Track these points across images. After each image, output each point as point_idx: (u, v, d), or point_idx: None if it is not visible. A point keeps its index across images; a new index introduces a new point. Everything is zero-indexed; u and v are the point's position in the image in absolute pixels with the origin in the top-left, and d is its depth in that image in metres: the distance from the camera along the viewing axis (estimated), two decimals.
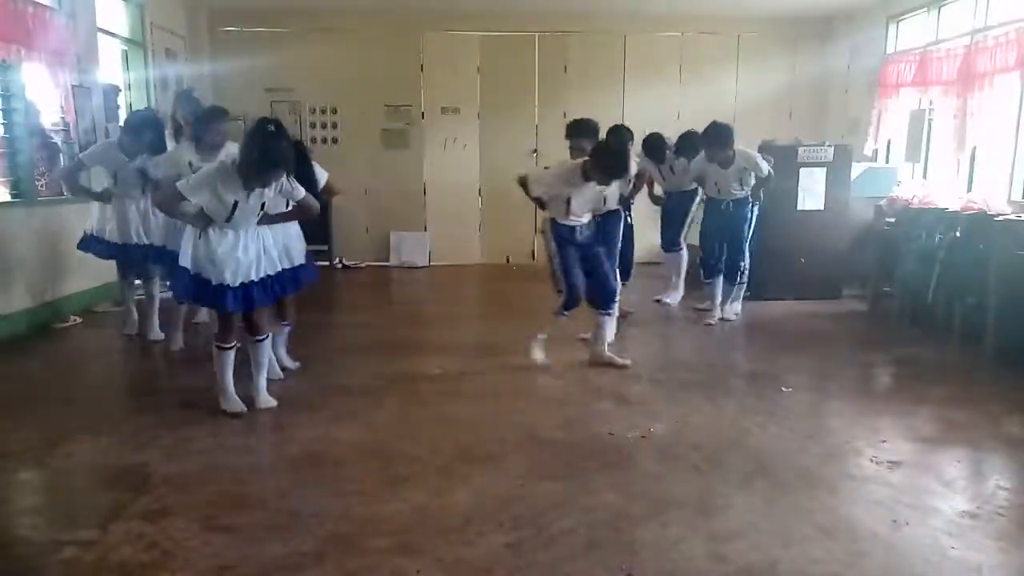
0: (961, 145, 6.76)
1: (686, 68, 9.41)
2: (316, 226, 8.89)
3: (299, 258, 4.19)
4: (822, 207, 6.76)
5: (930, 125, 7.53)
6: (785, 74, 9.48)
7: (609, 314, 4.84)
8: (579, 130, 5.09)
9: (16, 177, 5.60)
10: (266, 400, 4.01)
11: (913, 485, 3.13)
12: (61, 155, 6.22)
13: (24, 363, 5.00)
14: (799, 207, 6.69)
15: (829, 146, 6.84)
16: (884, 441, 3.61)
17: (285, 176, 3.72)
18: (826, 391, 4.45)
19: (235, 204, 3.63)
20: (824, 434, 3.73)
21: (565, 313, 4.64)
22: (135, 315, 5.45)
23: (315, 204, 4.04)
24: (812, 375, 4.76)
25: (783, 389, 4.38)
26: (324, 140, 9.29)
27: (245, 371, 3.97)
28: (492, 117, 9.38)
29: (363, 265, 9.33)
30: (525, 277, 8.72)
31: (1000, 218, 5.17)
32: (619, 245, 5.24)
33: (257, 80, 9.03)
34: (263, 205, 3.75)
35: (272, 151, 3.55)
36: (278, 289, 4.00)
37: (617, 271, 5.12)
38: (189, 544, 2.59)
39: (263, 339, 3.98)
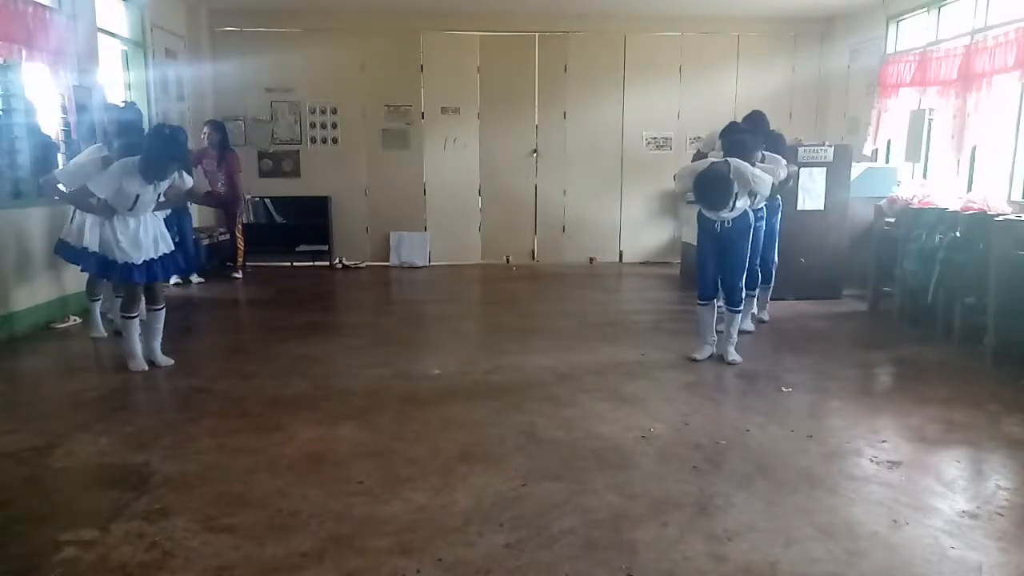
0: (961, 145, 6.76)
1: (686, 68, 9.42)
2: (317, 226, 9.08)
3: (170, 246, 4.88)
4: (822, 207, 6.76)
5: (930, 125, 7.53)
6: (785, 74, 9.49)
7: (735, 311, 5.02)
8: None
9: (15, 177, 5.60)
10: (164, 360, 4.77)
11: (913, 485, 3.13)
12: (59, 156, 6.23)
13: (23, 363, 5.00)
14: (799, 207, 6.69)
15: (829, 146, 6.84)
16: (884, 441, 3.61)
17: (176, 172, 4.66)
18: (826, 391, 4.45)
19: (137, 196, 4.46)
20: (824, 434, 3.73)
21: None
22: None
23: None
24: (812, 375, 4.75)
25: (783, 389, 4.38)
26: (324, 140, 9.30)
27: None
28: (492, 117, 9.38)
29: (363, 265, 9.33)
30: (525, 277, 8.73)
31: (1000, 218, 5.16)
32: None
33: (257, 80, 9.06)
34: (159, 196, 4.63)
35: (167, 151, 4.50)
36: (171, 267, 4.85)
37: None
38: (189, 544, 2.60)
39: (160, 308, 4.79)
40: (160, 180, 4.54)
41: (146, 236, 4.59)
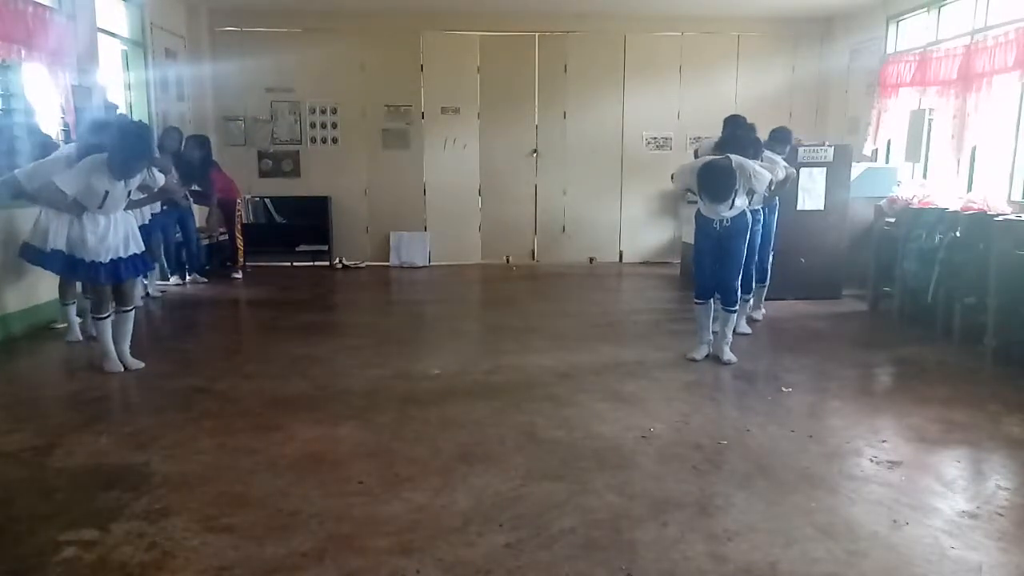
0: (961, 145, 6.76)
1: (686, 68, 9.42)
2: (316, 226, 9.08)
3: (141, 247, 4.77)
4: (822, 207, 6.76)
5: (930, 125, 7.53)
6: (785, 74, 9.49)
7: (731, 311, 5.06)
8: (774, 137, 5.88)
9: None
10: (134, 362, 4.67)
11: (913, 485, 3.13)
12: None
13: (23, 363, 5.00)
14: (799, 207, 6.69)
15: (829, 146, 6.84)
16: (884, 441, 3.61)
17: (146, 169, 4.62)
18: (826, 391, 4.45)
19: (106, 193, 4.35)
20: (824, 434, 3.73)
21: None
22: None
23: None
24: (812, 375, 4.76)
25: (783, 389, 4.38)
26: (324, 140, 9.30)
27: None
28: (492, 117, 9.38)
29: (363, 265, 9.33)
30: (525, 277, 8.73)
31: (1000, 218, 5.17)
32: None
33: (257, 80, 9.06)
34: (129, 193, 4.52)
35: (137, 148, 4.41)
36: (140, 266, 4.74)
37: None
38: (189, 544, 2.60)
39: (130, 309, 4.69)
40: (129, 178, 4.46)
41: (115, 235, 4.49)
